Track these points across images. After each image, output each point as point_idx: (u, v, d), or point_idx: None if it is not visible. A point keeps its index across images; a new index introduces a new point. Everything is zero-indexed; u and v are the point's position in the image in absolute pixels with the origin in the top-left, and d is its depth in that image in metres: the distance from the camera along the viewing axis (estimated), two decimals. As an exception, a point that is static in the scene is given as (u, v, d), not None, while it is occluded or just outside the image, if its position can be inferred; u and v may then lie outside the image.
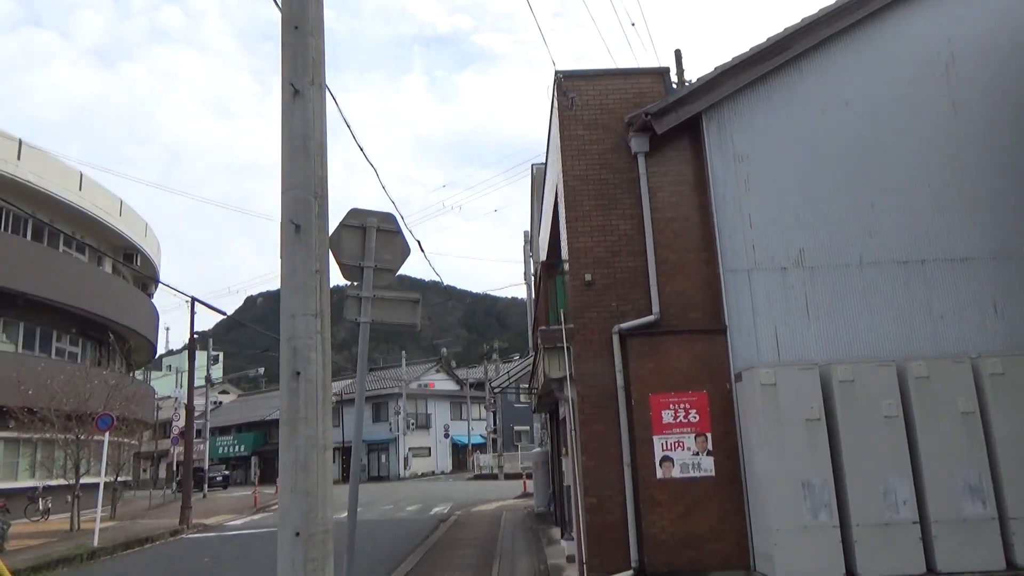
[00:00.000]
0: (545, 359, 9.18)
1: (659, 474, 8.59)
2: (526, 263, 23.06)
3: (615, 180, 9.65)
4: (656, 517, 8.49)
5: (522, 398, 41.13)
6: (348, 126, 8.50)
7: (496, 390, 12.62)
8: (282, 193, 5.15)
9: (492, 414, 45.37)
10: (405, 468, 49.13)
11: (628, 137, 9.67)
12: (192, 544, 17.50)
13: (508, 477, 40.45)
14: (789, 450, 7.71)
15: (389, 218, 7.17)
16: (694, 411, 8.73)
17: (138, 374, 65.69)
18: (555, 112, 10.19)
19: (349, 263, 6.92)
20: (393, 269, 7.12)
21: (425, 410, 52.70)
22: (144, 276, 36.46)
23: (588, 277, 9.28)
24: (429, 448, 52.03)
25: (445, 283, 55.81)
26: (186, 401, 45.53)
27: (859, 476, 7.63)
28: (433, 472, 51.05)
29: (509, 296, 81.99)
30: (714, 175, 9.39)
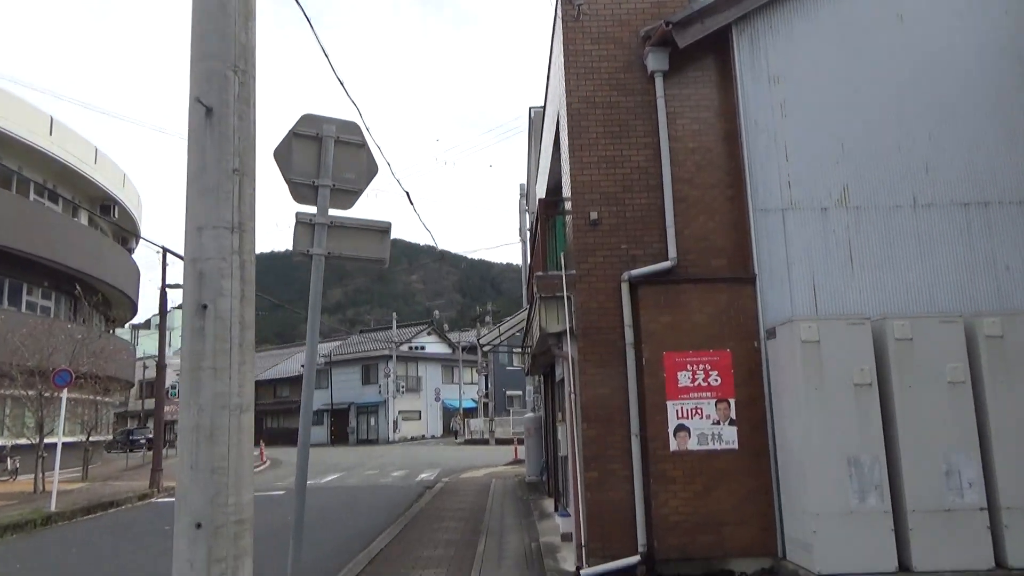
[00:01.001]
0: (542, 311, 7.86)
1: (673, 446, 7.33)
2: (521, 218, 21.66)
3: (627, 104, 8.24)
4: (668, 496, 7.25)
5: (515, 362, 39.97)
6: (322, 48, 7.08)
7: (486, 348, 11.28)
8: (191, 65, 3.77)
9: (484, 378, 44.30)
10: (394, 431, 48.19)
11: (644, 53, 8.23)
12: (158, 510, 16.33)
13: (499, 442, 39.51)
14: (833, 420, 6.43)
15: (352, 127, 5.79)
16: (715, 373, 7.44)
17: (124, 333, 64.53)
18: (558, 24, 8.72)
19: (300, 181, 5.56)
20: (356, 191, 5.75)
21: (416, 373, 51.62)
22: (122, 229, 34.90)
23: (594, 215, 7.92)
24: (419, 412, 51.06)
25: (440, 247, 54.33)
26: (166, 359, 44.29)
27: (916, 453, 6.36)
28: (423, 436, 50.15)
29: (504, 262, 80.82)
30: (745, 99, 7.99)
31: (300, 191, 5.58)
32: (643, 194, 8.02)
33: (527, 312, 10.33)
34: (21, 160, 26.07)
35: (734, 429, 7.34)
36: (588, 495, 7.45)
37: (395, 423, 48.45)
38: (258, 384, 59.12)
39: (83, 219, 32.52)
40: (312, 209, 5.58)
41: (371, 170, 5.87)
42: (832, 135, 7.95)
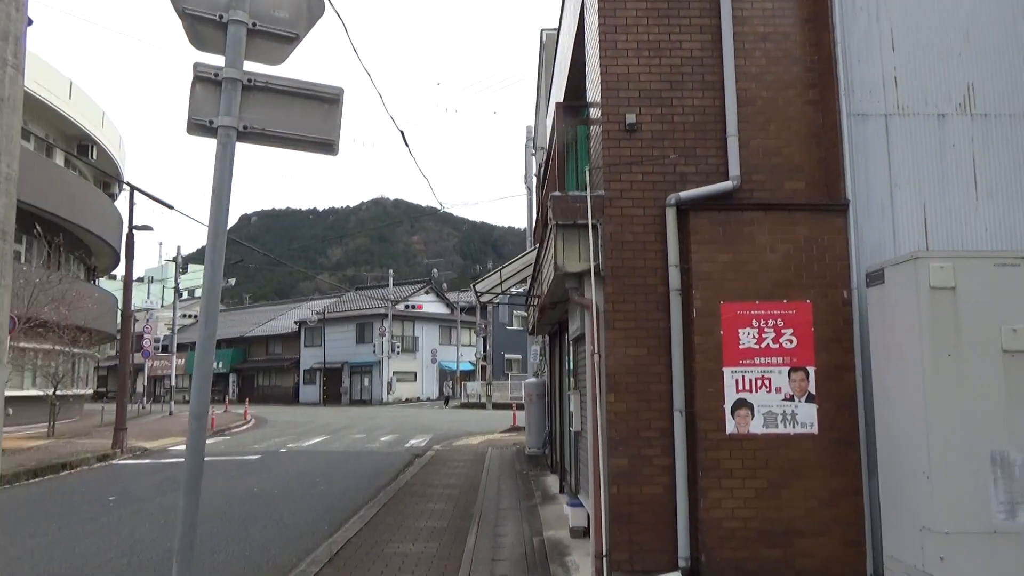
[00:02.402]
0: (558, 243, 5.92)
1: (730, 427, 5.46)
2: (527, 163, 19.64)
3: (679, -27, 6.19)
4: (722, 493, 5.40)
5: (515, 323, 38.19)
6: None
7: (483, 296, 9.18)
8: None
9: (483, 339, 42.55)
10: (389, 393, 46.59)
11: (703, -95, 6.16)
12: (114, 474, 14.60)
13: (497, 407, 37.94)
14: (972, 401, 4.53)
15: (284, -61, 3.79)
16: (789, 331, 5.54)
17: (110, 285, 62.70)
18: None
19: (200, 13, 3.60)
20: (290, 36, 3.78)
21: (412, 333, 49.84)
22: (101, 172, 32.74)
23: (631, 118, 5.93)
24: (415, 373, 49.40)
25: (439, 199, 51.88)
26: (156, 312, 42.47)
27: (1091, 449, 4.48)
28: (419, 398, 48.59)
29: (506, 225, 78.92)
30: (838, -34, 5.95)
31: (200, 31, 3.62)
32: (697, 93, 6.03)
33: (535, 253, 8.36)
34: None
35: (813, 408, 5.46)
36: (613, 489, 5.59)
37: (389, 384, 46.83)
38: (250, 341, 57.48)
39: (58, 159, 30.47)
40: (219, 60, 3.63)
41: (314, 8, 3.89)
42: (954, 18, 5.93)
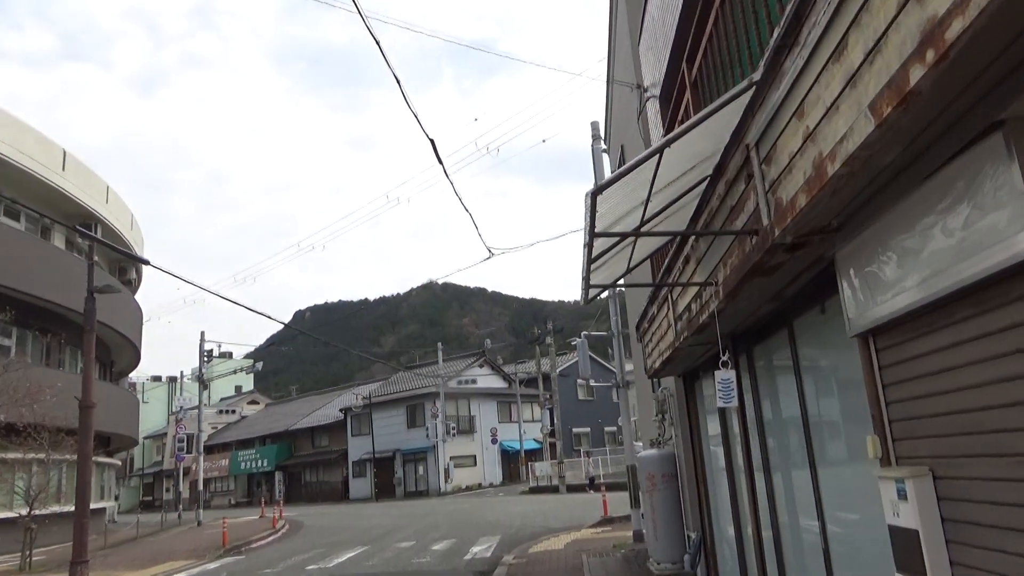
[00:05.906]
0: None
1: None
2: (596, 168, 15.04)
3: None
4: None
5: (581, 392, 32.81)
6: None
7: (595, 270, 4.39)
8: None
9: (548, 412, 37.16)
10: (446, 481, 41.17)
11: None
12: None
13: (571, 490, 32.29)
14: None
15: None
16: None
17: (150, 386, 59.30)
18: None
19: None
20: None
21: (468, 412, 44.64)
22: (117, 253, 29.17)
23: None
24: (474, 456, 43.92)
25: (492, 254, 47.42)
26: (183, 410, 38.34)
27: None
28: (480, 485, 42.96)
29: (556, 299, 74.49)
30: None
31: None
32: None
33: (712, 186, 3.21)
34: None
35: None
36: None
37: (447, 471, 41.44)
38: (295, 434, 53.00)
39: (58, 242, 27.13)
40: None
41: None
42: None
